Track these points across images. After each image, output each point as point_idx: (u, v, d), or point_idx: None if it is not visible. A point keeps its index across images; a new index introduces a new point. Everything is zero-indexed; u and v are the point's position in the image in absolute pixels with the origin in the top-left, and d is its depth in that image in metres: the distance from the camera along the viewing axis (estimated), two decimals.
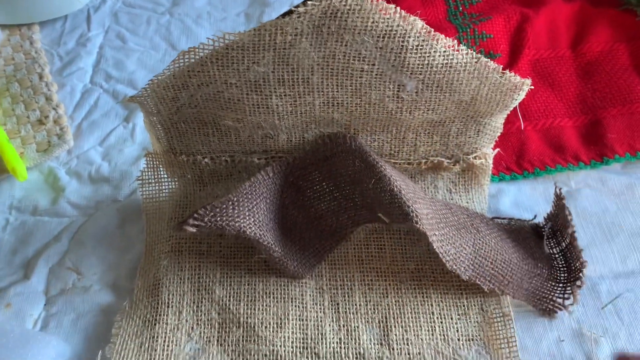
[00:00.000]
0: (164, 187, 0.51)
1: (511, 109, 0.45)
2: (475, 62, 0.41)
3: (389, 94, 0.42)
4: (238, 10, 0.70)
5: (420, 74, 0.41)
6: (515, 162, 0.55)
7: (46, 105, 0.59)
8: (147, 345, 0.43)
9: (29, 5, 0.65)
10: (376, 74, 0.41)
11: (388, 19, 0.37)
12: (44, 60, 0.63)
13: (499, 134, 0.49)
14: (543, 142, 0.57)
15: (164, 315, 0.45)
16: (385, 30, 0.38)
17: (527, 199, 0.53)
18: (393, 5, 0.37)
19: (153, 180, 0.51)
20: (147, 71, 0.63)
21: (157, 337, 0.44)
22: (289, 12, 0.37)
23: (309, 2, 0.36)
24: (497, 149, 0.51)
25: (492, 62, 0.41)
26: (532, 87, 0.43)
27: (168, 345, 0.43)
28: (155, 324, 0.44)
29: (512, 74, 0.42)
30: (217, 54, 0.40)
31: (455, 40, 0.40)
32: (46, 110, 0.59)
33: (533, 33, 0.63)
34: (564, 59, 0.63)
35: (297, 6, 0.37)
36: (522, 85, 0.43)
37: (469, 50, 0.40)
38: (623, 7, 0.66)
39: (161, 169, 0.50)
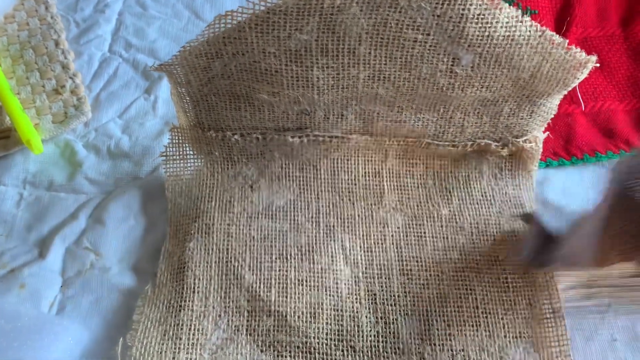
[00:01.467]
0: (189, 165, 0.47)
1: (570, 88, 0.42)
2: (540, 36, 0.37)
3: (441, 68, 0.39)
4: None
5: (479, 46, 0.37)
6: (563, 147, 0.52)
7: (63, 74, 0.55)
8: (171, 333, 0.41)
9: None
10: (430, 45, 0.37)
11: None
12: (60, 26, 0.59)
13: (552, 115, 0.45)
14: (592, 127, 0.53)
15: (189, 301, 0.42)
16: None
17: (575, 186, 0.50)
18: None
19: (178, 157, 0.47)
20: (169, 40, 0.59)
21: (182, 324, 0.41)
22: None
23: None
24: (547, 133, 0.48)
25: (557, 36, 0.37)
26: (597, 64, 0.39)
27: (194, 334, 0.40)
28: (180, 311, 0.41)
29: (578, 49, 0.38)
30: (257, 18, 0.36)
31: (519, 11, 0.36)
32: (62, 79, 0.55)
33: (581, 10, 0.59)
34: (613, 38, 0.59)
35: None
36: (586, 63, 0.39)
37: (533, 22, 0.36)
38: None
39: (187, 145, 0.47)
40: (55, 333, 0.41)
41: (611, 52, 0.58)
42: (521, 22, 0.36)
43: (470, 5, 0.35)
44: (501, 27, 0.36)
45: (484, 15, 0.35)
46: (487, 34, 0.36)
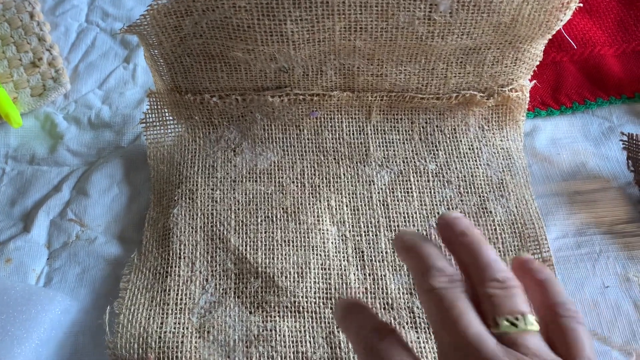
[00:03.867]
0: (169, 131, 0.47)
1: (554, 32, 0.40)
2: None
3: (419, 16, 0.37)
4: None
5: None
6: (551, 96, 0.51)
7: (39, 47, 0.54)
8: (158, 299, 0.40)
9: None
10: None
11: None
12: None
13: (537, 62, 0.44)
14: (581, 74, 0.52)
15: (175, 267, 0.41)
16: None
17: (565, 136, 0.49)
18: None
19: (158, 123, 0.46)
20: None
21: (169, 290, 0.40)
22: None
23: None
24: (534, 81, 0.46)
25: None
26: (581, 4, 0.38)
27: (181, 299, 0.40)
28: (166, 277, 0.41)
29: None
30: None
31: None
32: (39, 51, 0.54)
33: None
34: None
35: None
36: (569, 3, 0.38)
37: None
38: None
39: (166, 110, 0.46)
40: (42, 304, 0.40)
41: None
42: None
43: None
44: None
45: None
46: None
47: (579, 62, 0.52)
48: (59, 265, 0.44)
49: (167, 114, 0.46)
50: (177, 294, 0.40)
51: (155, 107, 0.46)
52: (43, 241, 0.45)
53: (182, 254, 0.42)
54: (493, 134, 0.47)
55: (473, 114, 0.46)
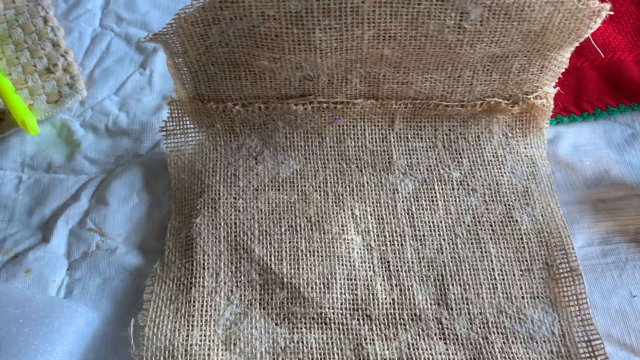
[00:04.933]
0: (190, 139, 0.46)
1: (583, 39, 0.40)
2: None
3: (449, 24, 0.37)
4: None
5: None
6: (573, 102, 0.50)
7: (54, 52, 0.54)
8: (183, 310, 0.40)
9: None
10: (437, 0, 0.35)
11: None
12: (48, 2, 0.57)
13: (563, 70, 0.44)
14: (603, 80, 0.51)
15: (199, 277, 0.41)
16: None
17: (588, 143, 0.49)
18: None
19: (178, 131, 0.46)
20: (161, 11, 0.57)
21: (194, 301, 0.40)
22: None
23: None
24: (557, 88, 0.46)
25: None
26: (612, 12, 0.38)
27: (206, 310, 0.40)
28: (190, 288, 0.41)
29: None
30: None
31: None
32: (54, 57, 0.53)
33: None
34: None
35: None
36: (600, 11, 0.37)
37: None
38: None
39: (187, 118, 0.45)
40: (65, 317, 0.40)
41: (619, 1, 0.56)
42: None
43: None
44: None
45: None
46: None
47: (599, 67, 0.52)
48: (80, 276, 0.43)
49: (188, 122, 0.46)
50: (202, 306, 0.40)
51: (176, 115, 0.45)
52: (62, 251, 0.44)
53: (205, 264, 0.41)
54: (517, 141, 0.46)
55: (497, 122, 0.46)
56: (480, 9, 0.36)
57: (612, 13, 0.37)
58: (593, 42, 0.49)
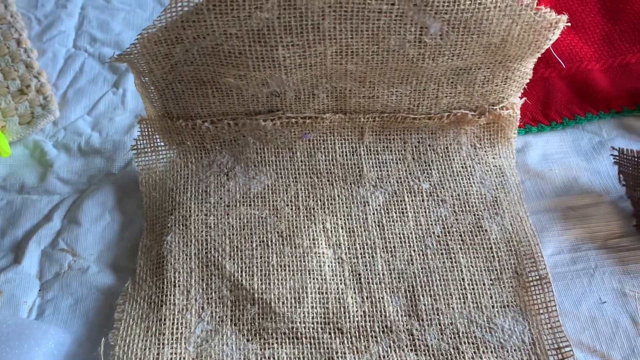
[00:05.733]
0: (161, 157, 0.46)
1: (543, 50, 0.41)
2: None
3: (410, 39, 0.38)
4: None
5: (446, 13, 0.36)
6: (541, 112, 0.51)
7: (27, 74, 0.54)
8: (154, 329, 0.40)
9: None
10: (396, 15, 0.36)
11: None
12: (21, 24, 0.57)
13: (527, 80, 0.44)
14: (570, 90, 0.52)
15: (170, 295, 0.41)
16: None
17: (557, 152, 0.49)
18: None
19: (149, 150, 0.46)
20: (135, 32, 0.58)
21: (165, 319, 0.40)
22: None
23: None
24: (524, 98, 0.47)
25: None
26: (569, 24, 0.38)
27: (177, 328, 0.40)
28: (161, 306, 0.40)
29: (548, 9, 0.37)
30: None
31: None
32: (27, 79, 0.54)
33: None
34: None
35: None
36: (557, 23, 0.38)
37: None
38: None
39: (157, 136, 0.46)
40: (35, 338, 0.39)
41: (584, 12, 0.57)
42: None
43: None
44: None
45: None
46: None
47: (567, 77, 0.53)
48: (51, 297, 0.43)
49: (158, 140, 0.46)
50: (172, 323, 0.40)
51: (147, 133, 0.45)
52: (34, 272, 0.44)
53: (177, 282, 0.41)
54: (485, 152, 0.47)
55: (465, 133, 0.46)
56: (439, 23, 0.37)
57: (569, 24, 0.38)
58: (554, 53, 0.49)
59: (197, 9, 0.35)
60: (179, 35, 0.37)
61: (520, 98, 0.46)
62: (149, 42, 0.37)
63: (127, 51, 0.38)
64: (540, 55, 0.42)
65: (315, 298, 0.41)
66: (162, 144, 0.46)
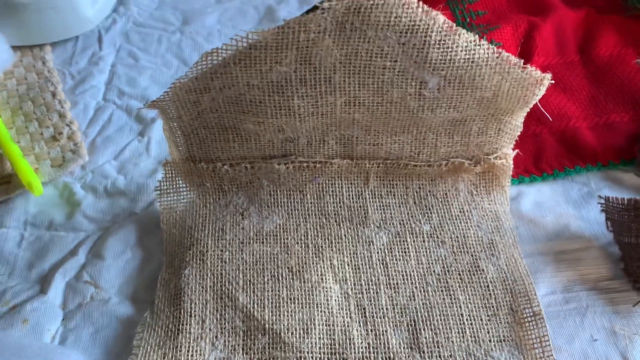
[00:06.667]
0: (182, 197, 0.50)
1: (531, 105, 0.45)
2: (497, 57, 0.41)
3: (410, 92, 0.42)
4: (248, 27, 0.71)
5: (443, 69, 0.41)
6: (533, 164, 0.55)
7: (60, 122, 0.59)
8: (170, 355, 0.42)
9: (40, 26, 0.65)
10: (398, 71, 0.41)
11: (411, 13, 0.38)
12: (57, 79, 0.63)
13: (518, 133, 0.48)
14: (560, 144, 0.56)
15: (186, 324, 0.44)
16: (408, 26, 0.38)
17: (548, 200, 0.53)
18: (415, 0, 0.37)
19: (171, 191, 0.50)
20: (160, 87, 0.63)
21: (181, 347, 0.42)
22: (313, 9, 0.37)
23: None
24: (517, 150, 0.51)
25: (513, 56, 0.41)
26: (553, 81, 0.43)
27: (192, 355, 0.42)
28: (178, 334, 0.43)
29: (533, 68, 0.42)
30: (240, 54, 0.40)
31: (477, 35, 0.40)
32: (60, 126, 0.58)
33: (541, 40, 0.64)
34: (573, 64, 0.63)
35: (321, 2, 0.37)
36: (543, 80, 0.43)
37: (490, 45, 0.40)
38: (629, 14, 0.67)
39: (179, 178, 0.50)
40: None
41: (572, 77, 0.62)
42: (479, 45, 0.40)
43: (432, 32, 0.39)
44: (461, 50, 0.40)
45: (444, 40, 0.39)
46: (449, 57, 0.40)
47: (557, 133, 0.57)
48: (74, 326, 0.46)
49: (180, 182, 0.50)
50: (188, 351, 0.42)
51: (170, 175, 0.49)
52: (59, 302, 0.47)
53: (192, 312, 0.44)
54: (481, 198, 0.50)
55: (462, 180, 0.50)
56: (436, 78, 0.41)
57: (553, 82, 0.43)
58: (542, 109, 0.54)
59: (224, 62, 0.40)
60: (207, 85, 0.42)
61: (513, 150, 0.50)
62: (180, 91, 0.42)
63: (160, 98, 0.43)
64: (529, 110, 0.46)
65: (322, 330, 0.43)
66: (184, 185, 0.50)
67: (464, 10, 0.69)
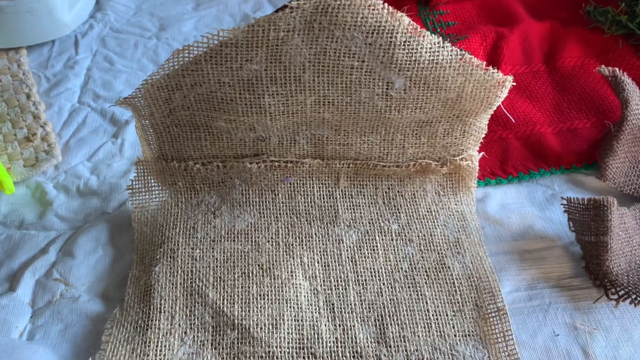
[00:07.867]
0: (154, 197, 0.51)
1: (495, 107, 0.47)
2: (460, 59, 0.42)
3: (378, 92, 0.44)
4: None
5: (408, 70, 0.42)
6: (499, 167, 0.57)
7: (34, 123, 0.59)
8: (139, 350, 0.42)
9: (17, 29, 0.66)
10: (366, 71, 0.42)
11: (377, 14, 0.39)
12: (32, 81, 0.63)
13: (483, 135, 0.50)
14: (525, 149, 0.58)
15: (156, 320, 0.44)
16: (374, 26, 0.40)
17: (513, 202, 0.55)
18: (381, 1, 0.39)
19: (143, 190, 0.50)
20: None
21: (149, 342, 0.43)
22: (282, 8, 0.39)
23: None
24: (482, 153, 0.52)
25: (476, 58, 0.43)
26: (514, 83, 0.45)
27: (161, 350, 0.42)
28: (147, 330, 0.43)
29: (495, 70, 0.44)
30: (211, 51, 0.41)
31: (441, 38, 0.42)
32: (34, 127, 0.59)
33: (508, 50, 0.66)
34: (539, 73, 0.66)
35: (290, 1, 0.38)
36: (505, 82, 0.44)
37: (454, 47, 0.42)
38: (592, 26, 0.69)
39: (151, 178, 0.50)
40: (26, 357, 0.42)
41: (537, 85, 0.64)
42: (443, 47, 0.42)
43: (397, 33, 0.40)
44: (426, 52, 0.42)
45: (409, 42, 0.41)
46: (414, 58, 0.42)
47: (522, 138, 0.59)
48: (42, 323, 0.46)
49: (152, 181, 0.50)
50: (156, 346, 0.42)
51: (142, 174, 0.50)
52: (27, 300, 0.47)
53: (162, 308, 0.44)
54: (448, 198, 0.52)
55: (430, 181, 0.52)
56: (402, 79, 0.43)
57: (514, 84, 0.45)
58: (505, 111, 0.56)
59: (195, 59, 0.41)
60: (179, 83, 0.42)
61: (479, 152, 0.52)
62: (152, 88, 0.43)
63: (132, 95, 0.43)
64: (492, 112, 0.48)
65: (291, 325, 0.44)
66: (156, 184, 0.50)
67: (435, 20, 0.72)
